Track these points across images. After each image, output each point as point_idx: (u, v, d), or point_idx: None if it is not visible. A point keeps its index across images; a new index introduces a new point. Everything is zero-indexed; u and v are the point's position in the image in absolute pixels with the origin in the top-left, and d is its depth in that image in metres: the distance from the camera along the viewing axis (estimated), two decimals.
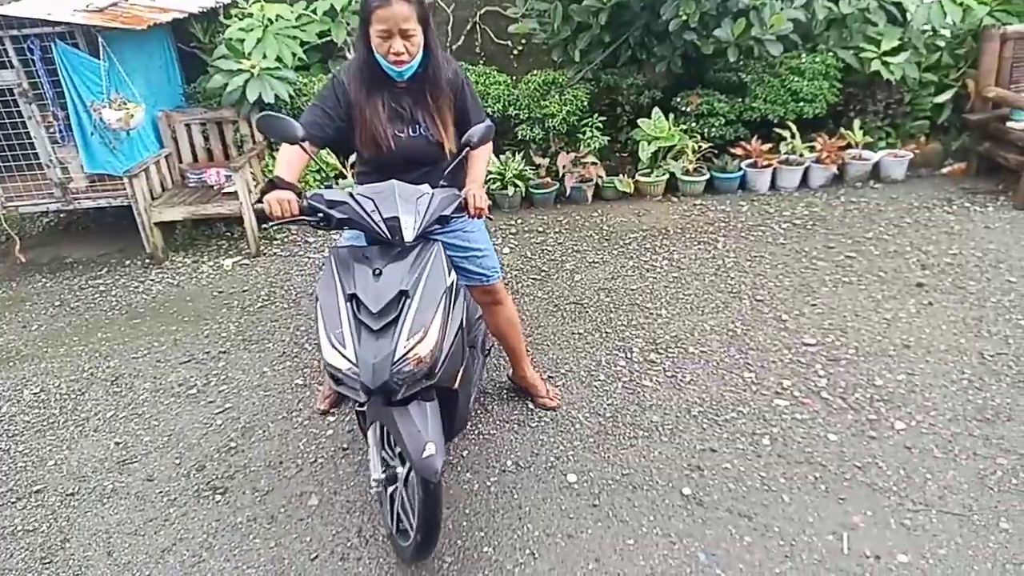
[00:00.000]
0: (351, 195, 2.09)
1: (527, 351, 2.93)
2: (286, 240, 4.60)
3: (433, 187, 2.18)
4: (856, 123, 4.82)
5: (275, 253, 4.45)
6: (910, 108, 4.94)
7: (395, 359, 1.89)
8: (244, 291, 4.03)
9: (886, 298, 3.55)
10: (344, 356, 1.93)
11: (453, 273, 2.18)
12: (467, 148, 2.25)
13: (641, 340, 3.35)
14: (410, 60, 2.23)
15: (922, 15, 4.64)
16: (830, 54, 4.75)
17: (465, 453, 2.67)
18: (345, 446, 2.79)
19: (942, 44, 4.78)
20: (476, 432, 2.79)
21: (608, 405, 2.93)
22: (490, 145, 2.48)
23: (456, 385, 2.16)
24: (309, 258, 4.30)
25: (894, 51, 4.63)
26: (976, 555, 2.19)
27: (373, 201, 2.07)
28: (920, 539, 2.26)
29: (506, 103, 4.69)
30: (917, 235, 4.11)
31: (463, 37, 5.33)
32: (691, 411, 2.88)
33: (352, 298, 1.98)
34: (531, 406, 2.92)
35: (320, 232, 4.53)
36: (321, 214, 2.08)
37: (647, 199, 4.74)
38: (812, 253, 4.01)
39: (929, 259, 3.86)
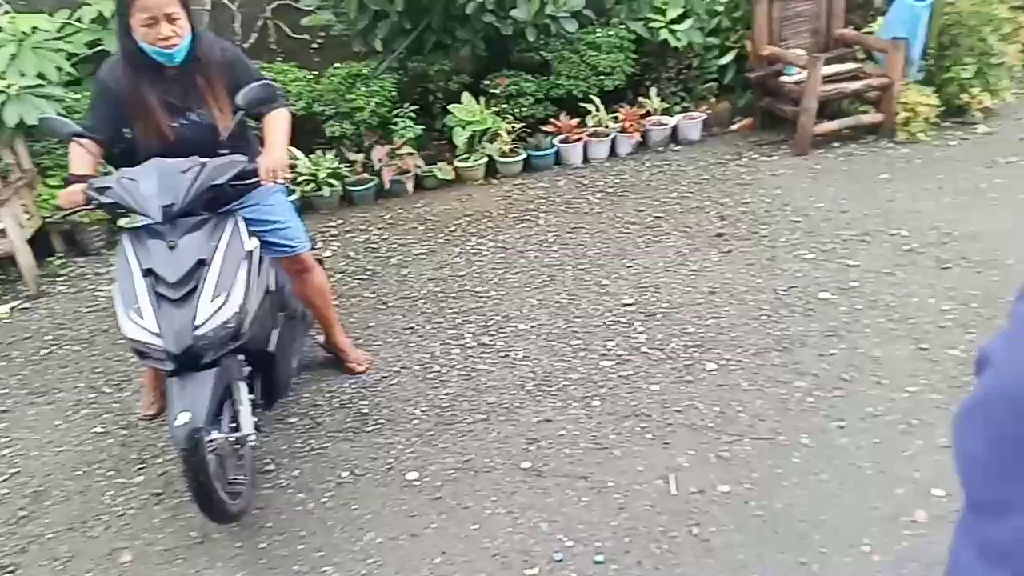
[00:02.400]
0: (117, 179, 2.16)
1: (338, 317, 3.09)
2: (73, 275, 4.16)
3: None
4: (653, 91, 5.11)
5: (60, 291, 4.00)
6: (699, 72, 5.30)
7: (197, 324, 2.01)
8: (26, 339, 3.60)
9: (692, 251, 3.80)
10: (145, 328, 2.03)
11: (254, 240, 2.31)
12: (241, 111, 2.31)
13: (473, 325, 3.37)
14: (180, 42, 2.25)
15: None
16: (622, 27, 4.98)
17: (296, 473, 2.55)
18: (159, 490, 2.57)
19: (720, 9, 5.15)
20: (308, 448, 2.68)
21: (445, 395, 2.92)
22: (285, 112, 2.52)
23: (271, 348, 2.29)
24: (101, 291, 3.91)
25: (679, 19, 4.93)
26: (784, 472, 2.40)
27: (135, 181, 2.12)
28: (737, 468, 2.45)
29: (310, 100, 4.51)
30: (715, 189, 4.44)
31: (255, 35, 5.06)
32: (525, 386, 2.93)
33: (149, 272, 2.07)
34: (364, 411, 2.85)
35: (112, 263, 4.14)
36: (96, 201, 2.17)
37: (469, 184, 4.76)
38: (625, 218, 4.21)
39: (726, 210, 4.18)
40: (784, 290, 3.39)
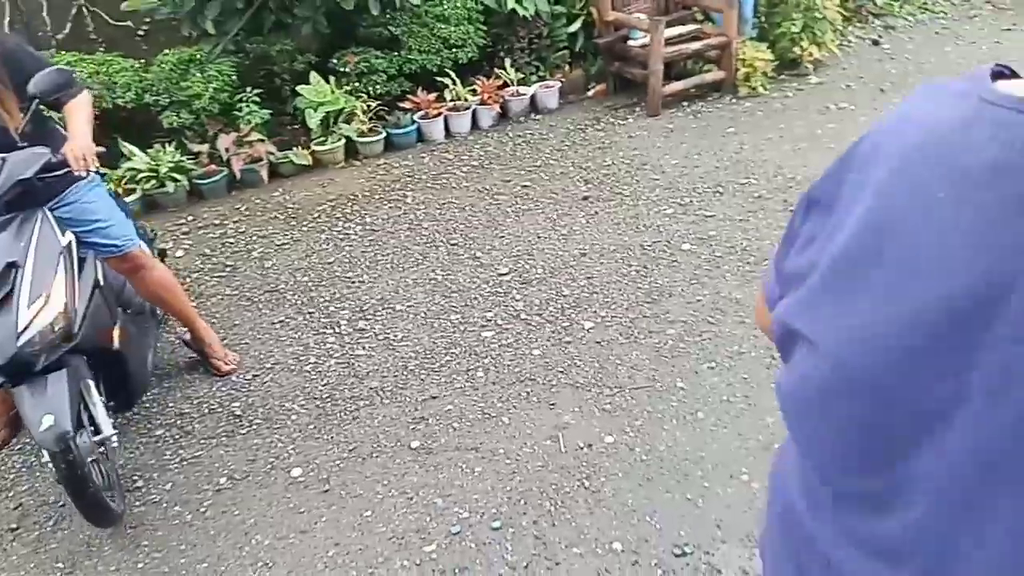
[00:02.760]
0: None
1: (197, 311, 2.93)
2: None
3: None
4: (507, 62, 5.11)
5: None
6: (550, 41, 5.35)
7: (20, 330, 1.88)
8: None
9: (560, 216, 3.85)
10: None
11: (68, 234, 2.17)
12: (35, 101, 2.13)
13: (347, 311, 3.25)
14: None
15: None
16: None
17: (168, 486, 2.37)
18: (14, 525, 2.31)
19: None
20: (179, 459, 2.49)
21: (324, 386, 2.80)
22: (87, 96, 2.36)
23: (116, 346, 2.16)
24: None
25: None
26: (663, 417, 2.50)
27: None
28: (620, 418, 2.52)
29: (139, 91, 4.14)
30: (577, 155, 4.52)
31: (69, 24, 4.58)
32: (408, 366, 2.87)
33: None
34: (237, 412, 2.69)
35: None
36: None
37: (329, 168, 4.58)
38: (493, 189, 4.20)
39: (589, 174, 4.27)
40: (649, 245, 3.51)
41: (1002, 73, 0.53)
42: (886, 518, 0.55)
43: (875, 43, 5.72)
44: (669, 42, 4.81)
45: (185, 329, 2.92)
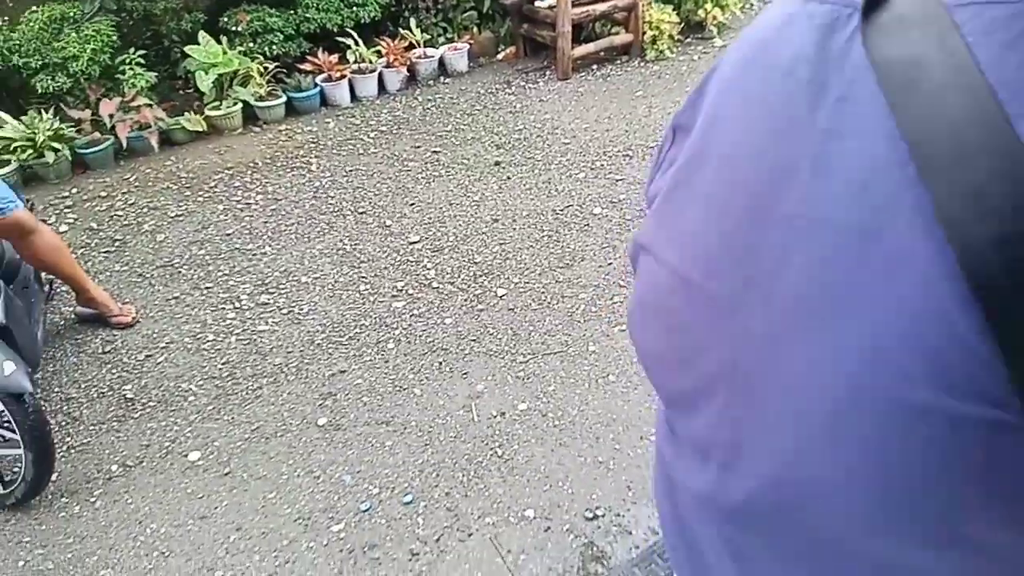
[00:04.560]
0: None
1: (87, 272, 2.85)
2: None
3: None
4: (412, 22, 4.94)
5: None
6: (457, 1, 5.21)
7: None
8: None
9: (472, 182, 3.78)
10: None
11: None
12: None
13: (249, 285, 3.09)
14: None
15: None
16: None
17: (55, 477, 2.20)
18: None
19: None
20: (65, 446, 2.32)
21: (223, 365, 2.66)
22: None
23: (2, 320, 2.05)
24: None
25: None
26: (576, 381, 2.50)
27: None
28: (533, 385, 2.51)
29: (6, 52, 3.76)
30: (488, 119, 4.44)
31: None
32: (314, 340, 2.76)
33: None
34: (129, 395, 2.52)
35: None
36: None
37: (225, 135, 4.32)
38: (403, 155, 4.08)
39: (501, 139, 4.20)
40: (561, 210, 3.50)
41: None
42: (696, 415, 0.57)
43: None
44: (576, 3, 4.77)
45: (74, 295, 2.82)
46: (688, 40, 5.20)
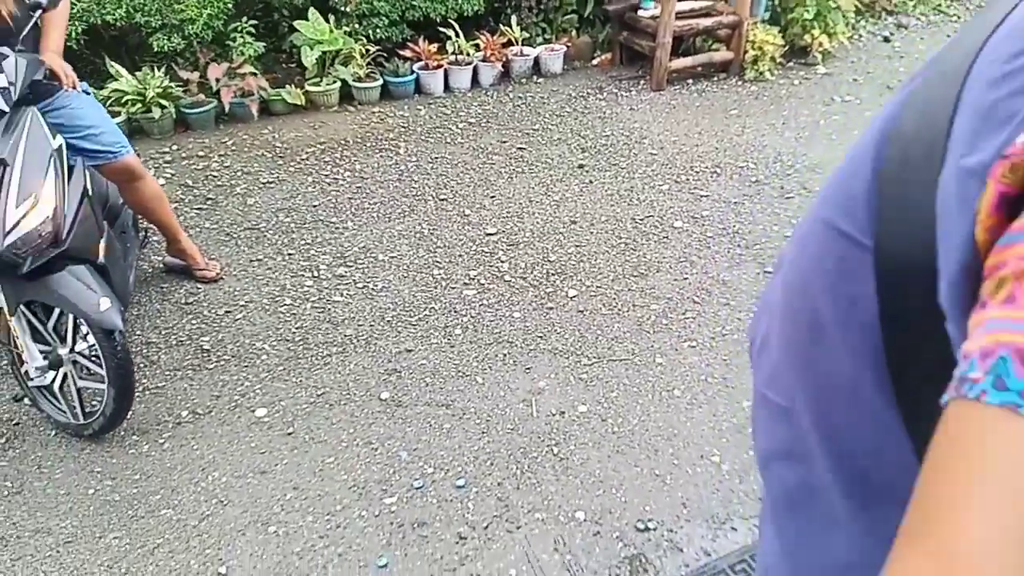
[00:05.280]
0: None
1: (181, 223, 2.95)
2: None
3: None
4: (514, 19, 4.97)
5: None
6: (559, 2, 5.22)
7: (6, 230, 1.82)
8: None
9: (554, 182, 3.78)
10: None
11: (59, 137, 2.09)
12: (39, 9, 2.08)
13: (328, 256, 3.17)
14: None
15: None
16: None
17: (128, 415, 2.30)
18: None
19: None
20: (140, 387, 2.42)
21: (297, 329, 2.73)
22: (66, 8, 2.31)
23: (100, 259, 2.13)
24: None
25: None
26: (639, 391, 2.46)
27: None
28: (595, 389, 2.48)
29: (130, 8, 3.95)
30: (576, 122, 4.43)
31: None
32: (385, 317, 2.81)
33: None
34: (206, 347, 2.62)
35: None
36: None
37: (322, 111, 4.45)
38: (488, 149, 4.11)
39: (587, 143, 4.18)
40: (641, 219, 3.46)
41: None
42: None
43: (886, 40, 5.64)
44: (680, 16, 4.71)
45: (166, 245, 2.95)
46: (790, 64, 5.07)
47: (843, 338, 0.54)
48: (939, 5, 6.28)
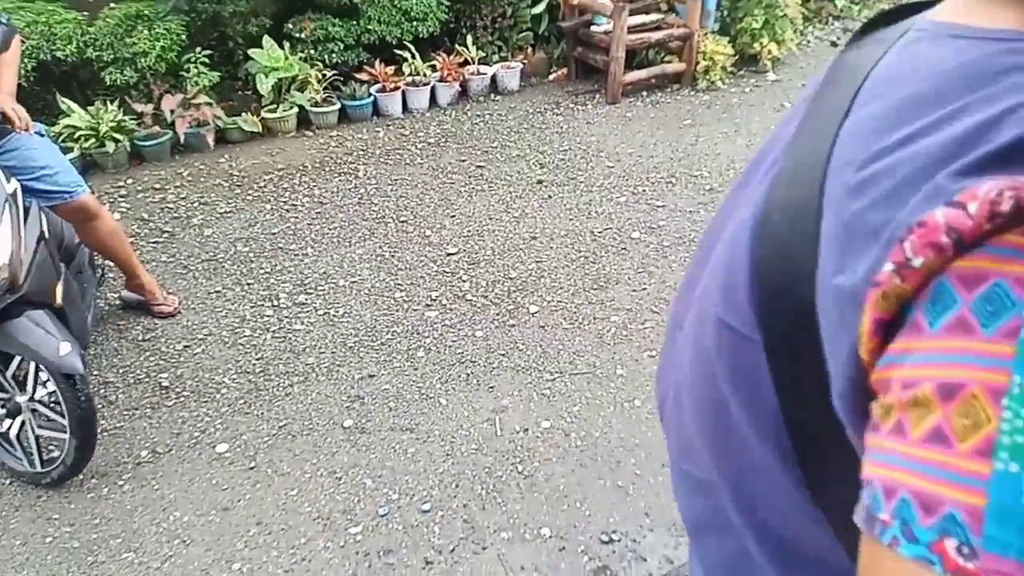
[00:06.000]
0: None
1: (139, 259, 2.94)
2: None
3: None
4: (469, 39, 5.02)
5: None
6: (514, 21, 5.28)
7: None
8: None
9: (513, 198, 3.81)
10: None
11: (14, 181, 2.08)
12: None
13: (288, 284, 3.16)
14: None
15: None
16: None
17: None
18: None
19: None
20: (99, 429, 2.38)
21: (257, 360, 2.72)
22: (16, 49, 2.32)
23: (58, 302, 2.10)
24: None
25: None
26: (601, 404, 2.49)
27: None
28: (558, 403, 2.50)
29: (81, 44, 3.93)
30: (534, 138, 4.48)
31: None
32: (347, 343, 2.81)
33: None
34: (164, 383, 2.59)
35: None
36: None
37: (279, 137, 4.44)
38: (447, 168, 4.13)
39: (545, 158, 4.23)
40: (600, 232, 3.50)
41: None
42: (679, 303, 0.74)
43: (834, 44, 5.79)
44: (632, 30, 4.79)
45: (122, 281, 2.93)
46: (741, 73, 5.18)
47: (749, 422, 0.53)
48: (883, 9, 6.46)
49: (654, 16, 5.09)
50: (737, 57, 5.10)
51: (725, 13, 5.21)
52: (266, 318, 2.95)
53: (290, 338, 2.84)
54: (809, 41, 5.76)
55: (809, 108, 0.52)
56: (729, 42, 5.06)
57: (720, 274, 0.55)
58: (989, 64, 0.42)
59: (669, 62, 5.10)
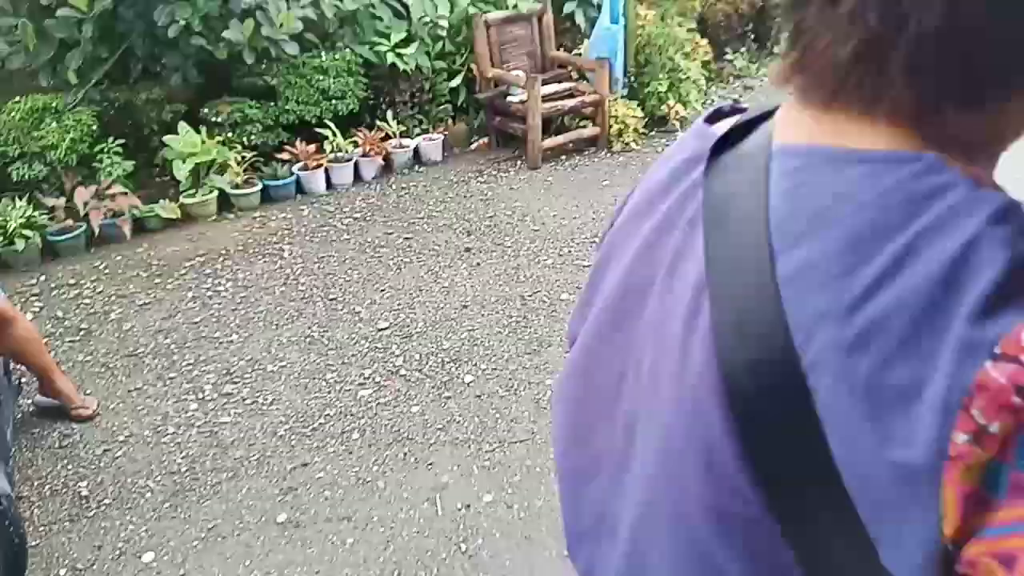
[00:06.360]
0: None
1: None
2: None
3: None
4: (389, 114, 5.11)
5: None
6: (432, 95, 5.42)
7: None
8: None
9: (443, 268, 3.84)
10: None
11: None
12: None
13: (213, 375, 3.07)
14: None
15: (418, 8, 5.09)
16: (348, 51, 4.92)
17: None
18: None
19: (443, 33, 5.32)
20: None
21: (183, 459, 2.60)
22: None
23: None
24: None
25: (404, 43, 5.00)
26: (541, 471, 2.48)
27: None
28: (499, 475, 2.48)
29: None
30: (459, 207, 4.55)
31: None
32: (277, 432, 2.73)
33: None
34: (84, 493, 2.45)
35: None
36: None
37: (200, 222, 4.37)
38: (375, 242, 4.14)
39: (472, 226, 4.30)
40: (529, 296, 3.55)
41: (720, 113, 0.63)
42: (587, 488, 0.65)
43: (736, 102, 6.14)
44: (546, 99, 4.98)
45: (36, 385, 2.79)
46: (653, 133, 5.43)
47: None
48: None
49: (566, 85, 5.32)
50: (647, 119, 5.36)
51: (632, 79, 5.49)
52: (190, 413, 2.85)
53: (217, 432, 2.74)
54: (712, 100, 6.09)
55: (710, 248, 0.49)
56: (638, 105, 5.31)
57: (684, 463, 0.49)
58: (910, 189, 0.43)
59: (584, 127, 5.30)
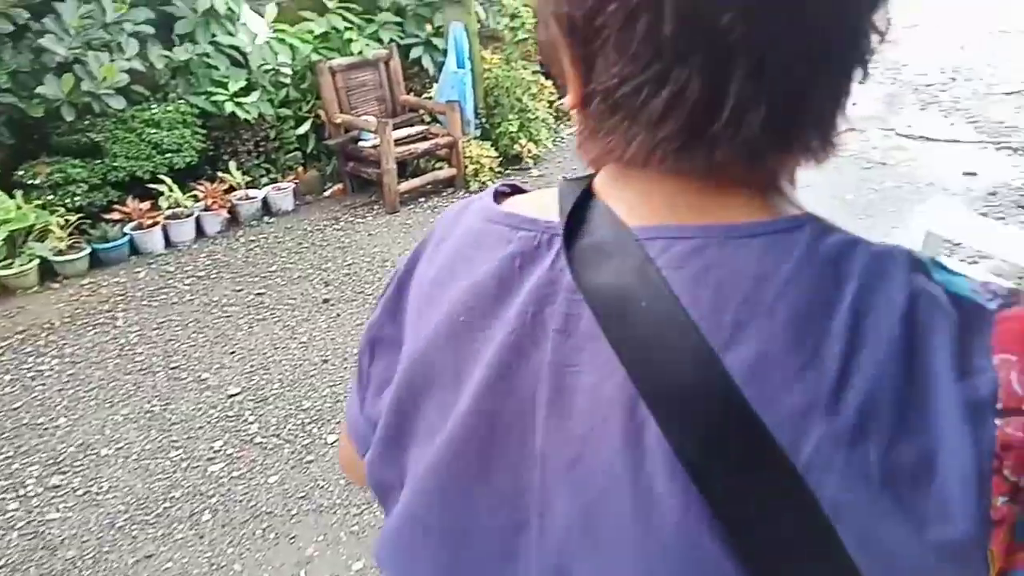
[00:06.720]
0: None
1: None
2: None
3: None
4: (232, 165, 4.86)
5: None
6: (279, 143, 5.22)
7: None
8: None
9: (299, 323, 3.65)
10: None
11: None
12: None
13: (37, 466, 2.71)
14: None
15: (257, 56, 4.91)
16: (182, 102, 4.65)
17: None
18: None
19: (287, 81, 5.16)
20: None
21: (1, 569, 2.26)
22: None
23: None
24: None
25: (244, 91, 4.79)
26: None
27: None
28: (368, 539, 2.34)
29: None
30: (315, 256, 4.38)
31: None
32: (115, 524, 2.43)
33: None
34: None
35: None
36: None
37: (18, 294, 3.91)
38: (222, 301, 3.88)
39: (330, 275, 4.14)
40: None
41: (503, 192, 0.56)
42: None
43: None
44: (399, 142, 4.95)
45: None
46: (508, 172, 5.52)
47: None
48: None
49: (418, 128, 5.31)
50: (502, 158, 5.44)
51: (484, 120, 5.58)
52: (10, 514, 2.49)
53: (43, 532, 2.41)
54: (563, 137, 6.31)
55: (625, 358, 0.43)
56: (491, 145, 5.39)
57: None
58: (819, 258, 0.42)
59: (440, 168, 5.31)
